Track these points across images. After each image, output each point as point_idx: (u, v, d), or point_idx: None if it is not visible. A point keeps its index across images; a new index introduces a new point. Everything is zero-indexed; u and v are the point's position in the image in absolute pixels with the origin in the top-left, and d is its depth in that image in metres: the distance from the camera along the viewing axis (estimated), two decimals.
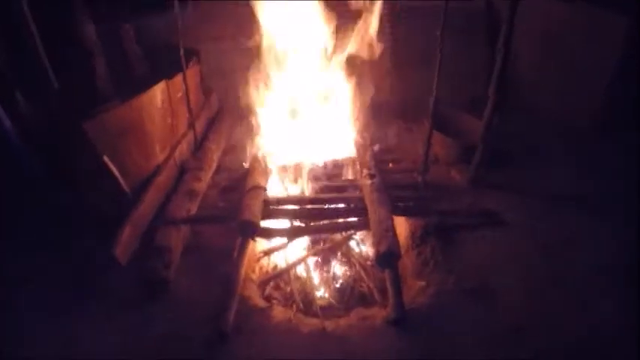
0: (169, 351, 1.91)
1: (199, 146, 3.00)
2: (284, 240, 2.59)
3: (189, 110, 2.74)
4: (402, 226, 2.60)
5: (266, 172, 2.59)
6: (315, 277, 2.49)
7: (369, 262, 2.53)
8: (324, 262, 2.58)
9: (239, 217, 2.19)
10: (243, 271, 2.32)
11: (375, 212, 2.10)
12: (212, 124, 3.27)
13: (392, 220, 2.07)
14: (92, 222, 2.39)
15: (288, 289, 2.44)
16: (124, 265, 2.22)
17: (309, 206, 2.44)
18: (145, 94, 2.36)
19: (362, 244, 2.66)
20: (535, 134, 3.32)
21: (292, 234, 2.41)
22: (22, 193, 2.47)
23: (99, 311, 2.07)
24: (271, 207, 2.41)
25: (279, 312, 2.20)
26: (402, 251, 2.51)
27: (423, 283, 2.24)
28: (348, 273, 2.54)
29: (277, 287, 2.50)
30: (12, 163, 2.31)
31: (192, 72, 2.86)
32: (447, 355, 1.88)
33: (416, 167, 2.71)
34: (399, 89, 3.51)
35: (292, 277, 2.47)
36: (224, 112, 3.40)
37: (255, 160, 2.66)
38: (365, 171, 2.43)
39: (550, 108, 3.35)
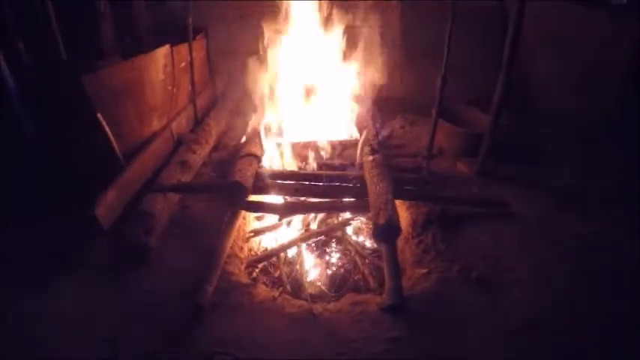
0: (141, 326, 1.74)
1: (199, 123, 2.94)
2: (276, 220, 2.45)
3: (192, 83, 2.70)
4: (403, 214, 2.44)
5: (262, 145, 2.48)
6: (307, 263, 2.31)
7: (366, 250, 2.35)
8: (318, 248, 2.41)
9: (228, 179, 2.05)
10: (228, 245, 2.16)
11: (374, 186, 1.96)
12: (215, 104, 3.23)
13: (392, 194, 1.92)
14: (81, 191, 2.28)
15: (277, 273, 2.26)
16: (105, 229, 2.08)
17: (305, 182, 2.30)
18: (147, 56, 2.33)
19: (359, 234, 2.49)
20: (545, 132, 3.22)
21: (284, 211, 2.25)
22: (16, 158, 2.39)
23: (73, 282, 1.90)
24: (265, 180, 2.28)
25: (263, 290, 2.01)
26: (402, 241, 2.36)
27: (424, 271, 2.05)
28: (343, 260, 2.35)
29: (266, 272, 2.32)
30: (10, 125, 2.25)
31: (197, 45, 2.86)
32: (449, 349, 1.66)
33: (420, 153, 2.58)
34: (407, 84, 3.48)
35: (282, 260, 2.29)
36: (228, 94, 3.37)
37: (252, 132, 2.56)
38: (367, 148, 2.31)
39: (561, 107, 3.26)
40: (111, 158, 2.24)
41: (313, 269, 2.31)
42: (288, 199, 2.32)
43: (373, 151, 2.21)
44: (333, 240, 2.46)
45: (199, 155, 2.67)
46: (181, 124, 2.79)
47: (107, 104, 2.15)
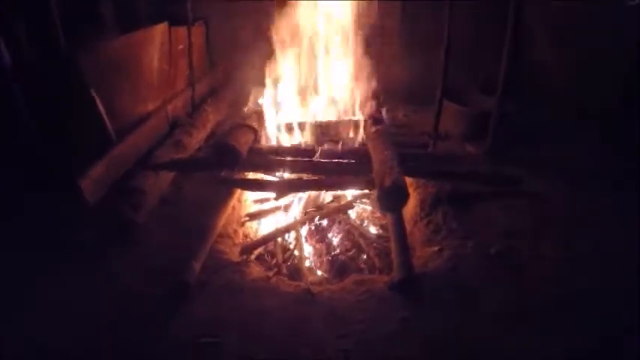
0: (118, 305, 1.56)
1: (197, 109, 2.88)
2: (273, 204, 2.28)
3: (190, 67, 2.67)
4: (410, 195, 2.27)
5: (261, 121, 2.37)
6: (306, 248, 2.11)
7: (370, 234, 2.16)
8: (318, 232, 2.21)
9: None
10: (220, 223, 1.99)
11: (378, 154, 1.81)
12: (215, 93, 3.19)
13: (398, 162, 1.76)
14: (71, 168, 2.15)
15: (274, 261, 2.05)
16: (91, 203, 1.93)
17: (305, 159, 2.16)
18: (144, 32, 2.31)
19: (363, 220, 2.30)
20: (552, 118, 3.11)
21: (282, 188, 2.09)
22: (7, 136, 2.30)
23: (54, 259, 1.74)
24: (262, 156, 2.15)
25: (256, 270, 1.81)
26: (410, 223, 2.17)
27: (435, 248, 1.84)
28: (346, 244, 2.15)
29: (262, 260, 2.11)
30: (4, 102, 2.19)
31: (196, 31, 2.86)
32: (468, 330, 1.43)
33: (426, 132, 2.46)
34: (407, 74, 3.43)
35: (279, 246, 2.09)
36: (229, 85, 3.34)
37: (251, 110, 2.47)
38: (370, 120, 2.18)
39: (568, 94, 3.16)
40: (103, 135, 2.15)
41: (313, 255, 2.11)
42: (286, 176, 2.17)
43: (377, 122, 2.09)
44: (335, 224, 2.27)
45: (195, 138, 2.57)
46: (178, 107, 2.72)
47: (101, 80, 2.09)
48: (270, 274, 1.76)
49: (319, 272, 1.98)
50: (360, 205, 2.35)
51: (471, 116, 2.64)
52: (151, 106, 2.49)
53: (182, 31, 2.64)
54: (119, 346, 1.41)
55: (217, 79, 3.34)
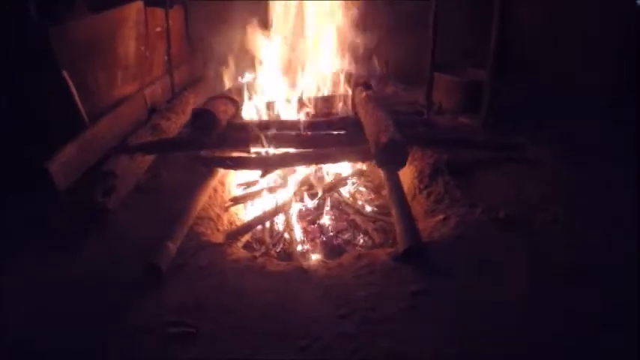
0: (82, 292, 1.34)
1: (176, 96, 2.73)
2: (258, 187, 2.09)
3: (168, 51, 2.53)
4: (405, 170, 2.10)
5: (241, 96, 2.20)
6: (298, 232, 1.91)
7: (366, 211, 1.97)
8: (310, 213, 2.02)
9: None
10: (199, 203, 1.78)
11: (370, 117, 1.66)
12: (195, 80, 3.05)
13: (393, 122, 1.61)
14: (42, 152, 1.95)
15: (262, 248, 1.84)
16: (60, 189, 1.73)
17: (292, 133, 1.99)
18: (119, 10, 2.17)
19: (357, 198, 2.13)
20: (543, 98, 3.04)
21: (267, 164, 1.91)
22: None
23: (20, 247, 1.55)
24: (245, 130, 1.97)
25: (239, 251, 1.60)
26: (409, 196, 1.99)
27: (440, 217, 1.66)
28: (341, 225, 1.96)
29: (250, 248, 1.90)
30: None
31: (175, 13, 2.75)
32: (486, 299, 1.24)
33: (417, 101, 2.33)
34: (393, 55, 3.36)
35: (267, 230, 1.89)
36: (209, 72, 3.20)
37: (233, 88, 2.31)
38: (359, 88, 2.04)
39: (560, 75, 3.10)
40: (75, 119, 1.96)
41: (305, 237, 1.90)
42: (272, 151, 1.99)
43: (366, 87, 1.95)
44: (327, 204, 2.08)
45: (174, 123, 2.40)
46: (156, 92, 2.57)
47: (74, 60, 1.92)
48: (257, 254, 1.55)
49: (314, 256, 1.78)
50: (353, 183, 2.18)
51: (463, 86, 2.54)
52: (127, 90, 2.33)
53: (160, 12, 2.52)
54: (77, 337, 1.19)
55: (197, 66, 3.21)
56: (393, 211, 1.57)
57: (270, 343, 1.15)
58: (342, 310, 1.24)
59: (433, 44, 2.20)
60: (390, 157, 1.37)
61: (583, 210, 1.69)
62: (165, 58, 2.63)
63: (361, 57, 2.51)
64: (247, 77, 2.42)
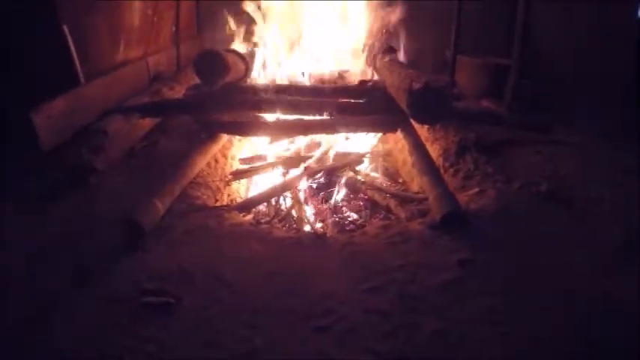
0: (56, 256, 1.10)
1: (181, 70, 2.57)
2: (262, 161, 1.86)
3: (177, 22, 2.40)
4: (429, 147, 1.90)
5: (252, 57, 2.02)
6: (307, 211, 1.66)
7: (385, 187, 1.74)
8: (321, 190, 1.78)
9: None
10: (197, 164, 1.55)
11: (397, 76, 1.48)
12: None
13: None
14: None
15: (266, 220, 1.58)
16: (47, 144, 1.52)
17: (306, 99, 1.79)
18: None
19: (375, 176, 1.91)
20: (561, 91, 2.93)
21: (278, 131, 1.70)
22: None
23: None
24: (254, 95, 1.78)
25: (239, 216, 1.35)
26: None
27: (475, 190, 1.44)
28: (356, 204, 1.72)
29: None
30: None
31: None
32: (538, 274, 1.02)
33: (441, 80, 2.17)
34: (411, 49, 3.27)
35: (273, 207, 1.65)
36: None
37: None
38: (381, 54, 1.87)
39: (577, 71, 3.01)
40: (72, 78, 1.77)
41: (315, 216, 1.65)
42: (282, 117, 1.78)
43: (390, 50, 1.79)
44: (340, 182, 1.85)
45: (177, 93, 2.21)
46: (161, 62, 2.40)
47: (76, 16, 1.75)
48: (262, 221, 1.30)
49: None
50: (369, 164, 1.96)
51: (488, 69, 2.40)
52: (130, 55, 2.16)
53: None
54: (37, 305, 0.94)
55: (204, 44, 3.07)
56: (424, 178, 1.35)
57: (275, 322, 0.89)
58: (370, 282, 0.99)
59: (457, 23, 2.08)
60: (424, 107, 1.17)
61: (626, 189, 1.48)
62: (173, 29, 2.50)
63: (383, 35, 2.38)
64: (260, 47, 2.26)
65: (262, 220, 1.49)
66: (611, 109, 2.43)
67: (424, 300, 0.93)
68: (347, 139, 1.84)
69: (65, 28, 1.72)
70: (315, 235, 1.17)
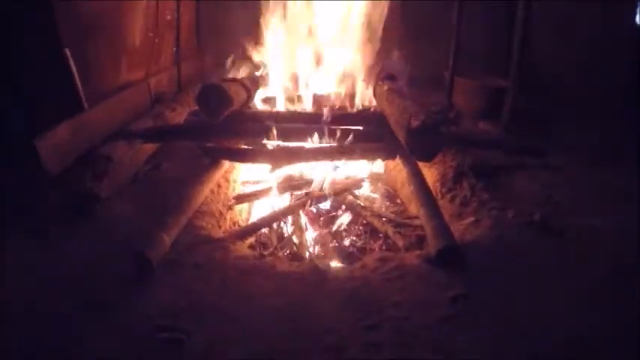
0: (67, 286, 1.14)
1: (182, 90, 2.61)
2: (265, 185, 1.91)
3: (177, 40, 2.44)
4: (426, 173, 1.96)
5: (255, 84, 2.06)
6: (309, 235, 1.71)
7: (384, 213, 1.79)
8: (322, 216, 1.83)
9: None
10: (201, 194, 1.59)
11: (396, 107, 1.53)
12: (202, 77, 2.94)
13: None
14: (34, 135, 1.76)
15: (269, 251, 1.63)
16: (51, 171, 1.56)
17: (306, 126, 1.84)
18: None
19: (374, 201, 1.95)
20: (557, 110, 3.00)
21: (279, 158, 1.75)
22: None
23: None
24: (256, 123, 1.82)
25: (244, 248, 1.40)
26: None
27: (471, 219, 1.49)
28: (356, 229, 1.76)
29: (253, 250, 1.69)
30: None
31: (187, 5, 2.68)
32: (529, 307, 1.07)
33: (437, 104, 2.23)
34: (411, 59, 3.32)
35: (274, 232, 1.69)
36: (217, 71, 3.11)
37: (246, 75, 2.17)
38: (381, 82, 1.91)
39: (572, 85, 3.08)
40: (74, 102, 1.80)
41: (316, 242, 1.70)
42: (283, 144, 1.83)
43: (390, 78, 1.84)
44: (340, 207, 1.90)
45: (179, 115, 2.25)
46: (162, 83, 2.44)
47: (77, 37, 1.78)
48: (265, 253, 1.35)
49: (327, 262, 1.57)
50: (369, 188, 2.01)
51: (485, 91, 2.45)
52: (132, 77, 2.19)
53: (171, 1, 2.45)
54: (55, 339, 0.98)
55: (206, 65, 3.12)
56: (421, 210, 1.40)
57: (281, 356, 0.94)
58: (370, 319, 1.04)
59: (456, 48, 2.13)
60: (422, 144, 1.22)
61: (616, 216, 1.53)
62: (174, 48, 2.53)
63: (382, 53, 2.43)
64: (261, 70, 2.30)
65: (266, 253, 1.52)
66: (612, 130, 2.49)
67: (421, 334, 0.98)
68: (336, 168, 1.89)
69: (67, 52, 1.76)
70: (318, 270, 1.21)
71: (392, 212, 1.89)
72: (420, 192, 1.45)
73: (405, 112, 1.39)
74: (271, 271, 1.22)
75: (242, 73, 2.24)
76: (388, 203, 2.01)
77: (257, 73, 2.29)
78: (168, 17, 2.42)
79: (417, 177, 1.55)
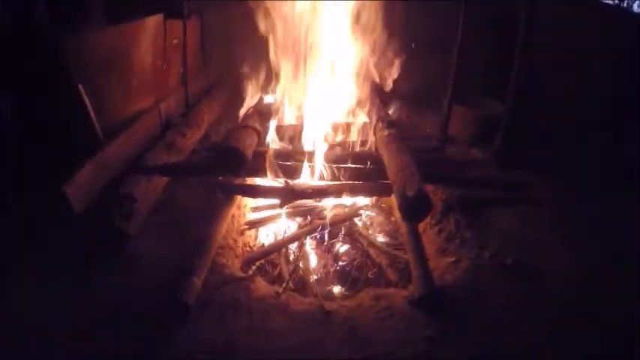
0: (106, 329, 1.37)
1: (190, 108, 2.69)
2: (274, 212, 2.13)
3: (184, 63, 2.48)
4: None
5: (263, 122, 2.21)
6: (312, 259, 1.98)
7: (379, 243, 2.05)
8: (323, 242, 2.09)
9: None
10: (220, 233, 1.82)
11: (395, 160, 1.71)
12: (208, 93, 3.00)
13: (416, 168, 1.67)
14: (54, 172, 1.89)
15: (277, 272, 1.91)
16: (77, 212, 1.71)
17: (312, 164, 2.03)
18: (138, 23, 2.10)
19: (370, 229, 2.20)
20: (553, 127, 3.14)
21: (287, 195, 1.95)
22: None
23: (34, 274, 1.54)
24: (267, 160, 1.99)
25: (263, 286, 1.66)
26: (420, 230, 2.09)
27: (452, 259, 1.76)
28: (354, 255, 2.03)
29: (263, 271, 1.96)
30: None
31: (192, 25, 2.67)
32: (492, 347, 1.36)
33: (432, 136, 2.39)
34: (407, 78, 3.38)
35: (283, 257, 1.95)
36: (223, 83, 3.16)
37: (251, 111, 2.30)
38: (380, 124, 2.08)
39: (571, 97, 3.16)
40: (90, 136, 1.92)
41: (319, 266, 1.97)
42: (291, 182, 2.03)
43: (389, 125, 2.00)
44: (341, 234, 2.15)
45: (189, 139, 2.38)
46: (171, 105, 2.52)
47: (89, 74, 1.87)
48: (280, 290, 1.61)
49: (334, 289, 1.85)
50: (367, 214, 2.25)
51: (479, 120, 2.60)
52: (143, 104, 2.28)
53: (177, 24, 2.45)
54: None
55: (210, 78, 3.15)
56: (410, 255, 1.65)
57: None
58: (365, 352, 1.33)
59: (454, 79, 2.24)
60: (415, 209, 1.44)
61: (592, 256, 1.77)
62: (181, 70, 2.57)
63: (379, 83, 2.52)
64: (268, 98, 2.40)
65: (270, 270, 1.77)
66: (612, 148, 2.62)
67: None
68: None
69: (81, 87, 1.84)
70: (324, 311, 1.49)
71: (387, 231, 2.13)
72: (410, 237, 1.69)
73: (402, 172, 1.58)
74: (287, 310, 1.50)
75: (253, 101, 2.33)
76: (383, 219, 2.22)
77: (268, 101, 2.39)
78: (175, 41, 2.43)
79: (409, 225, 1.78)
